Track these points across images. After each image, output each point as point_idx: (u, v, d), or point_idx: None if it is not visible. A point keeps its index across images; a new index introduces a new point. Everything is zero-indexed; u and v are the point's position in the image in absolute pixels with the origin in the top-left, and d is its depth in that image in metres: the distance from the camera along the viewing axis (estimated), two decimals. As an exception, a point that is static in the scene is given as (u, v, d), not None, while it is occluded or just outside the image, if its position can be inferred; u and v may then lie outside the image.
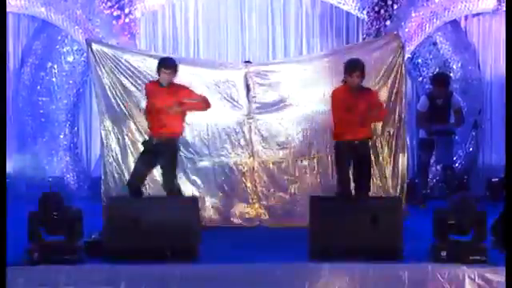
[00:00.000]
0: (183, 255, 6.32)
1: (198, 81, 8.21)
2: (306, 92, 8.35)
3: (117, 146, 8.14)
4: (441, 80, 9.60)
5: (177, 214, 6.52)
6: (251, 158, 8.41)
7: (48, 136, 10.80)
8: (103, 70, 8.00)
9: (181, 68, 7.65)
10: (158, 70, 7.50)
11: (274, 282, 6.07)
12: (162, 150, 7.53)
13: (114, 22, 10.22)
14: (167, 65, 7.48)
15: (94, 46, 8.02)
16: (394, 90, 8.09)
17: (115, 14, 10.24)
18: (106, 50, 8.09)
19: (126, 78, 8.05)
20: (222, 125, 8.38)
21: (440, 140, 9.58)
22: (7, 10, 9.73)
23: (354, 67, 7.30)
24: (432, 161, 10.05)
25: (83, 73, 10.86)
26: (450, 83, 9.79)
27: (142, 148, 7.71)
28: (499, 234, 6.57)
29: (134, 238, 6.38)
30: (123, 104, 8.08)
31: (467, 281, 6.01)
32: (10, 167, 10.47)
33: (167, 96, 7.43)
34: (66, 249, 6.27)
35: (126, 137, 8.14)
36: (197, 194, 8.17)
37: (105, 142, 8.11)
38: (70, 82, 10.85)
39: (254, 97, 8.37)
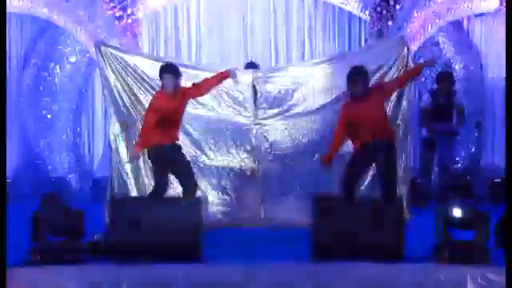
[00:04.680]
0: (186, 256, 6.33)
1: None
2: (312, 97, 8.36)
3: (124, 150, 8.12)
4: (445, 77, 9.59)
5: (180, 214, 6.52)
6: (256, 163, 8.43)
7: (51, 136, 10.81)
8: (112, 74, 7.93)
9: (189, 74, 7.63)
10: (161, 77, 7.36)
11: (276, 282, 6.06)
12: (177, 156, 7.51)
13: (117, 22, 10.24)
14: (168, 69, 7.35)
15: (104, 49, 7.96)
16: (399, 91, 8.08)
17: (117, 14, 10.26)
18: (115, 53, 8.01)
19: (135, 82, 8.00)
20: (228, 130, 8.39)
21: (441, 140, 9.56)
22: (10, 10, 9.76)
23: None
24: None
25: (86, 73, 10.88)
26: (454, 82, 9.77)
27: (155, 157, 7.48)
28: (501, 234, 6.56)
29: (137, 239, 6.39)
30: (131, 107, 8.04)
31: (469, 281, 6.00)
32: (12, 167, 10.49)
33: (174, 103, 7.34)
34: (68, 249, 6.29)
35: (134, 140, 8.12)
36: (200, 195, 8.17)
37: (113, 146, 8.07)
38: (73, 82, 10.86)
39: (262, 103, 8.39)
